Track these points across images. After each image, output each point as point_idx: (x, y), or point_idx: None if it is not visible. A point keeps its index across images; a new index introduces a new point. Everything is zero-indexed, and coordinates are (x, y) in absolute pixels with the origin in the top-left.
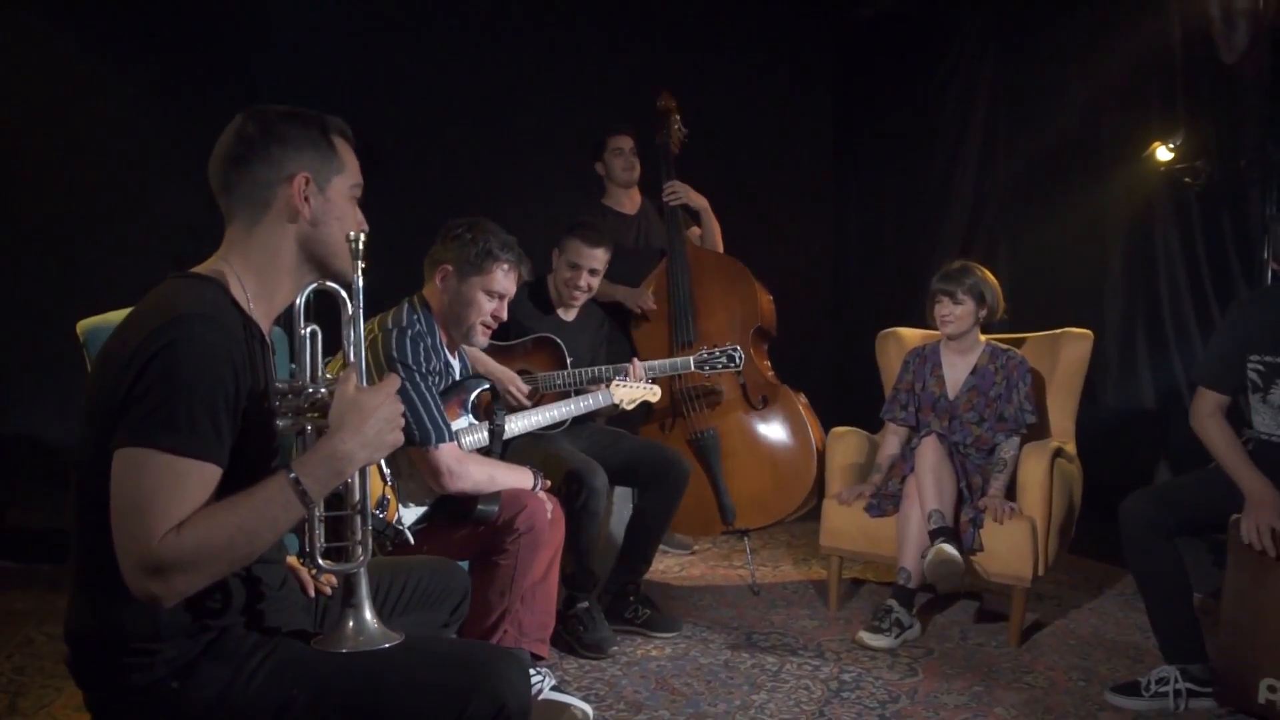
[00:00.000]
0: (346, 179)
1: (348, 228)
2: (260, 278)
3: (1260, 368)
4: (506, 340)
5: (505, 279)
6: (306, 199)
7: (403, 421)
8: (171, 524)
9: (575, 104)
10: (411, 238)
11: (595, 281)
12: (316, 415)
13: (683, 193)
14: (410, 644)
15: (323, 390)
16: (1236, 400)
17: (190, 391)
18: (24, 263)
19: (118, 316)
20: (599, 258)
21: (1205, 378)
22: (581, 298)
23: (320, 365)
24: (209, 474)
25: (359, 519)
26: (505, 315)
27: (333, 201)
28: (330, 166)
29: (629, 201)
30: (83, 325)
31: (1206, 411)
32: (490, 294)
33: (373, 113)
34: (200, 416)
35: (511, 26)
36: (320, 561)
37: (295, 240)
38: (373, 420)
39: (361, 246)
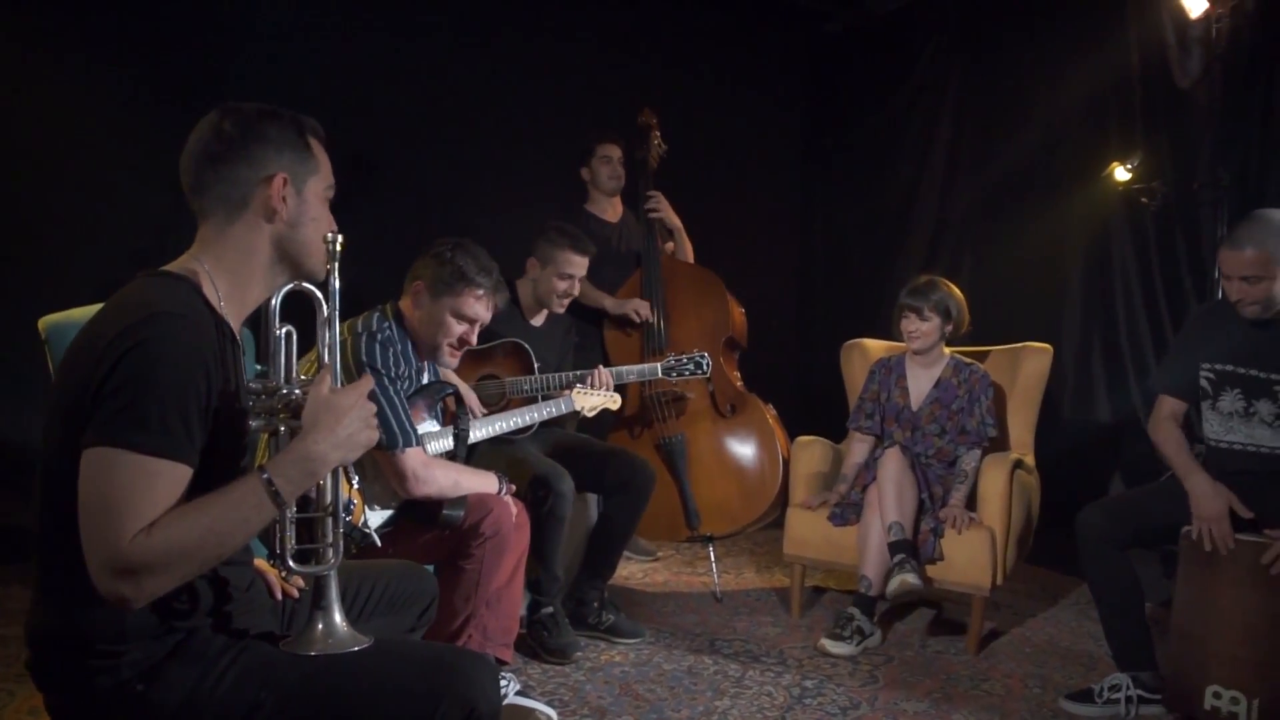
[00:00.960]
0: (321, 180)
1: (323, 229)
2: (233, 277)
3: (1211, 376)
4: (475, 344)
5: (477, 304)
6: (284, 200)
7: (376, 422)
8: (141, 525)
9: (557, 113)
10: (393, 242)
11: (579, 288)
12: (289, 416)
13: (663, 209)
14: (380, 647)
15: (296, 391)
16: (1190, 414)
17: (162, 391)
18: None
19: (82, 313)
20: (585, 265)
21: (1163, 385)
22: (567, 304)
23: (294, 366)
24: (180, 474)
25: (330, 521)
26: (474, 341)
27: (308, 203)
28: (307, 167)
29: (611, 209)
30: (45, 321)
31: (1163, 415)
32: (460, 317)
33: (355, 116)
34: (171, 416)
35: (493, 36)
36: (290, 563)
37: (270, 240)
38: (346, 421)
39: (339, 249)
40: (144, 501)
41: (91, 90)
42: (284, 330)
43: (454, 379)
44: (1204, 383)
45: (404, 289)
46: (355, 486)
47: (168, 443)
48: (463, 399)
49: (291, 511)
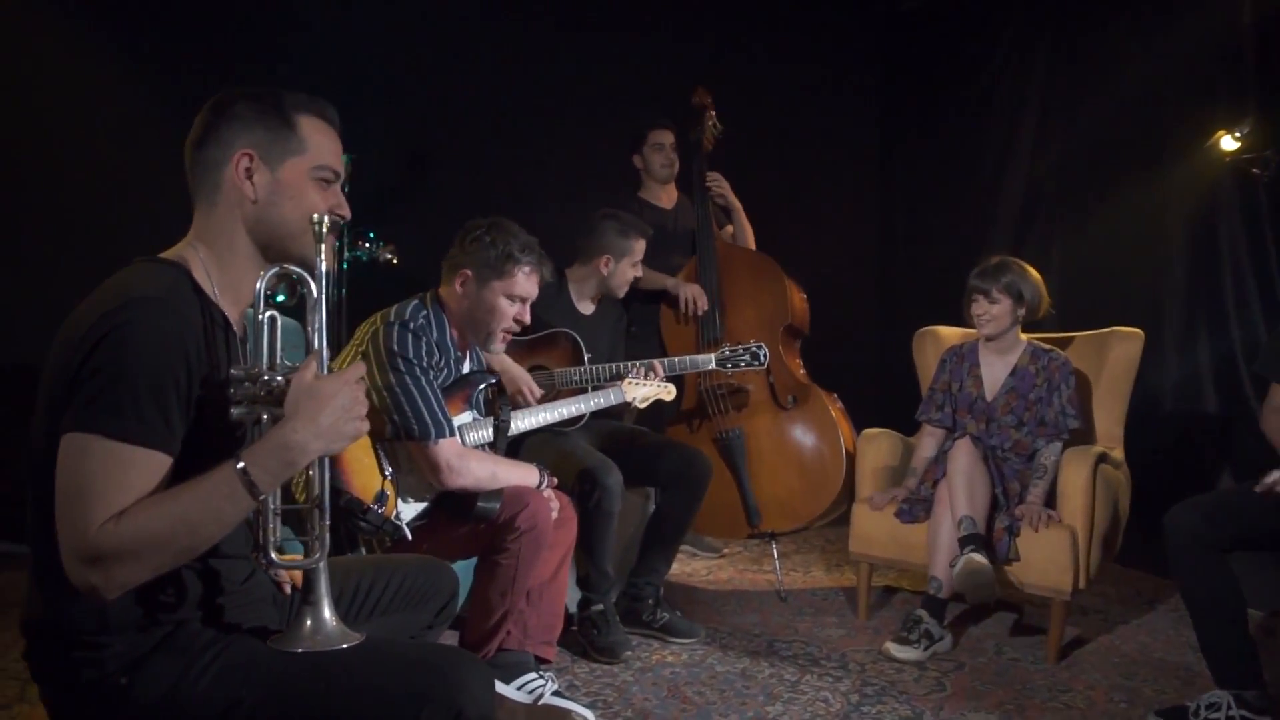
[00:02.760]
0: (306, 160)
1: (303, 209)
2: (222, 263)
3: None
4: (524, 335)
5: (527, 282)
6: (250, 177)
7: (364, 411)
8: (111, 512)
9: (613, 97)
10: (450, 235)
11: None
12: (272, 404)
13: (724, 188)
14: (369, 646)
15: (279, 378)
16: None
17: (137, 376)
18: (14, 248)
19: None
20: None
21: (1271, 369)
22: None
23: (278, 353)
24: (155, 462)
25: (317, 513)
26: (528, 319)
27: (284, 181)
28: (285, 145)
29: (665, 195)
30: None
31: (1275, 405)
32: (512, 298)
33: (409, 112)
34: (147, 403)
35: (546, 17)
36: (273, 556)
37: (245, 222)
38: (329, 409)
39: (325, 230)
40: (115, 488)
41: (125, 83)
42: (268, 315)
43: (508, 364)
44: None
45: (444, 278)
46: (388, 478)
47: (141, 429)
48: (504, 389)
49: (276, 503)
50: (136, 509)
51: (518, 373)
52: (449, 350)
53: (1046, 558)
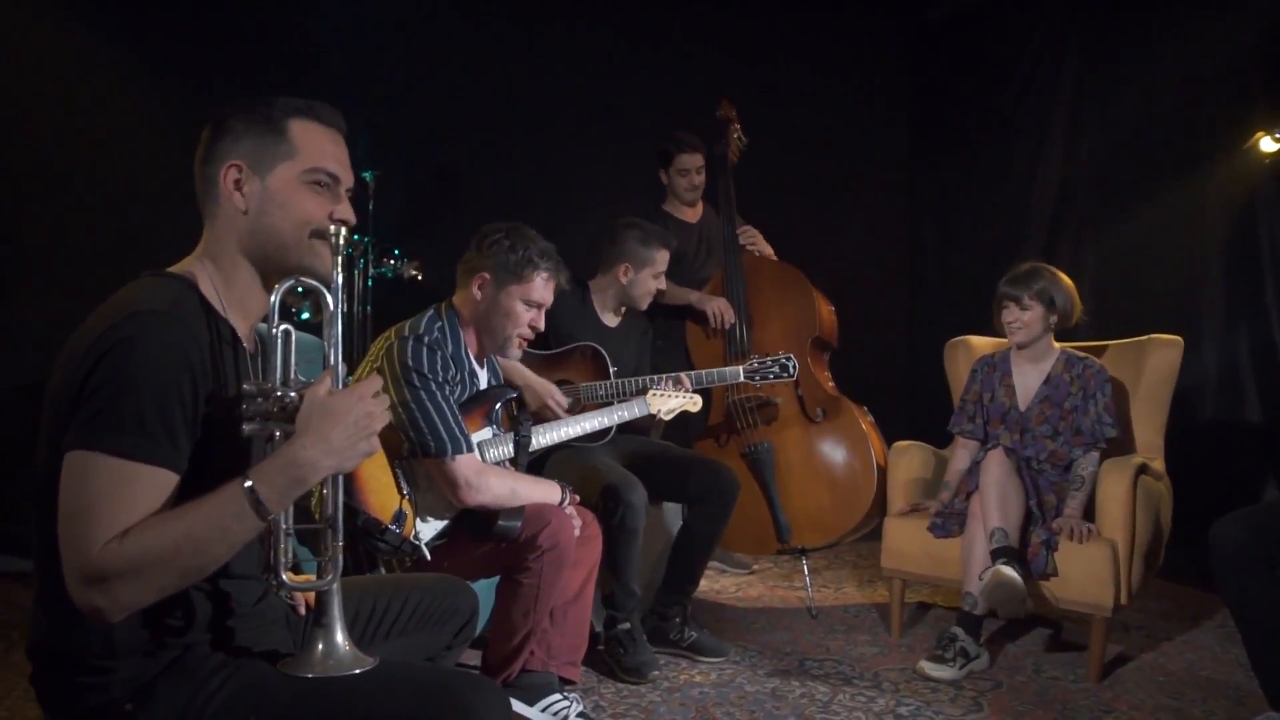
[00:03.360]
0: (298, 164)
1: (295, 216)
2: (228, 277)
3: None
4: (547, 348)
5: (544, 288)
6: (239, 189)
7: (378, 429)
8: (115, 531)
9: (639, 109)
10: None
11: None
12: (284, 420)
13: (758, 242)
14: (383, 671)
15: (293, 394)
16: None
17: (140, 392)
18: (23, 261)
19: None
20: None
21: None
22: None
23: (292, 368)
24: (160, 479)
25: (330, 533)
26: (543, 325)
27: (274, 189)
28: (274, 152)
29: (690, 210)
30: None
31: None
32: (529, 303)
33: (435, 128)
34: (151, 418)
35: (570, 30)
36: (284, 577)
37: (241, 234)
38: (341, 426)
39: (341, 241)
40: (118, 507)
41: (136, 97)
42: (281, 329)
43: (531, 377)
44: None
45: (459, 284)
46: (407, 497)
47: (145, 445)
48: (524, 403)
49: (288, 522)
50: (141, 528)
51: (542, 385)
52: (465, 363)
53: (1086, 573)
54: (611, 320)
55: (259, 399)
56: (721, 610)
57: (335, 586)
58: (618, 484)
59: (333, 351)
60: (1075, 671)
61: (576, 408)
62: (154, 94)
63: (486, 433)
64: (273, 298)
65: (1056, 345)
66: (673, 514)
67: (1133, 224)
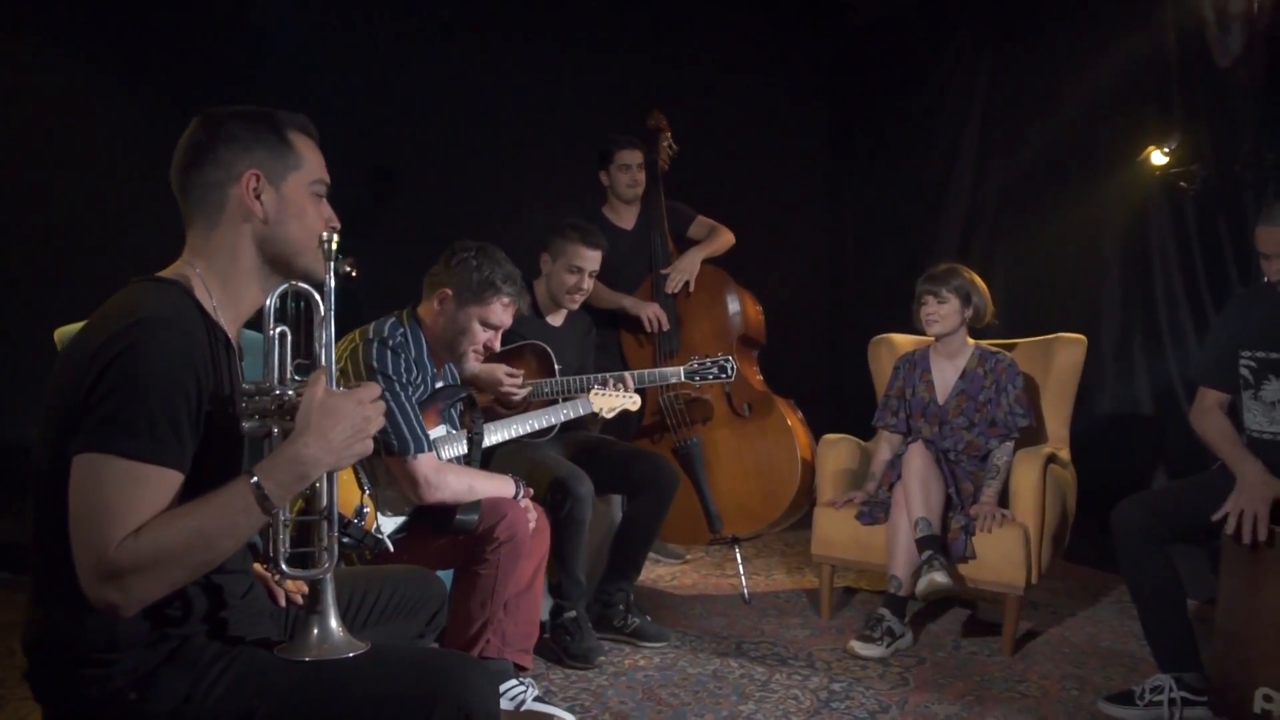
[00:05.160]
0: (305, 175)
1: (309, 225)
2: (224, 282)
3: (1252, 364)
4: (498, 349)
5: (503, 312)
6: (258, 197)
7: (374, 431)
8: (129, 530)
9: (574, 115)
10: (413, 248)
11: (592, 284)
12: (283, 418)
13: (687, 276)
14: (375, 653)
15: (290, 392)
16: (1234, 401)
17: (149, 396)
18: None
19: None
20: (598, 260)
21: (1202, 375)
22: (580, 301)
23: (289, 367)
24: (169, 480)
25: (325, 525)
26: (498, 347)
27: (288, 199)
28: (285, 163)
29: (628, 215)
30: (61, 333)
31: (1207, 406)
32: (486, 325)
33: (373, 125)
34: (160, 421)
35: (507, 37)
36: (284, 568)
37: (253, 241)
38: (340, 426)
39: (334, 246)
40: (131, 507)
41: (109, 102)
42: (278, 330)
43: (478, 368)
44: (1244, 371)
45: (425, 294)
46: (368, 493)
47: (155, 448)
48: (475, 403)
49: (286, 515)
50: (153, 525)
51: (489, 369)
52: (426, 367)
53: (1001, 555)
54: (556, 319)
55: (258, 397)
56: (660, 597)
57: (329, 575)
58: (565, 478)
59: (324, 353)
60: (990, 646)
61: (524, 404)
62: (98, 100)
63: (441, 430)
64: (269, 300)
65: (971, 342)
66: (613, 505)
67: (1039, 230)
